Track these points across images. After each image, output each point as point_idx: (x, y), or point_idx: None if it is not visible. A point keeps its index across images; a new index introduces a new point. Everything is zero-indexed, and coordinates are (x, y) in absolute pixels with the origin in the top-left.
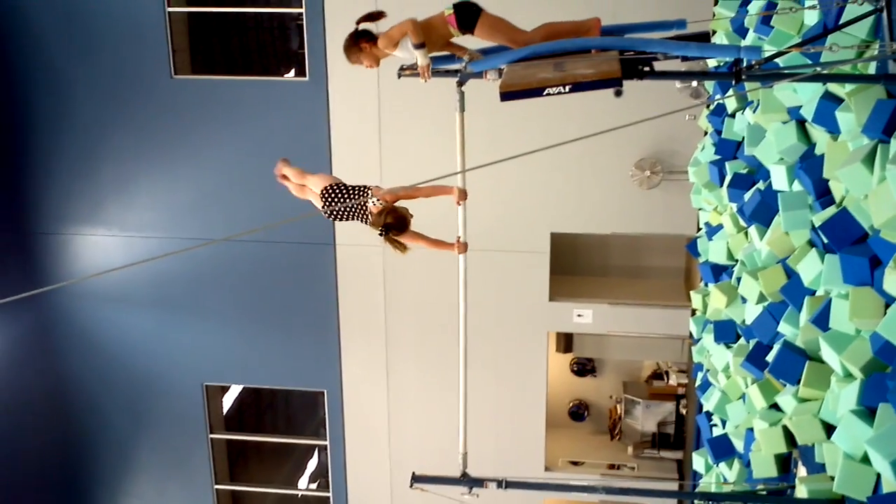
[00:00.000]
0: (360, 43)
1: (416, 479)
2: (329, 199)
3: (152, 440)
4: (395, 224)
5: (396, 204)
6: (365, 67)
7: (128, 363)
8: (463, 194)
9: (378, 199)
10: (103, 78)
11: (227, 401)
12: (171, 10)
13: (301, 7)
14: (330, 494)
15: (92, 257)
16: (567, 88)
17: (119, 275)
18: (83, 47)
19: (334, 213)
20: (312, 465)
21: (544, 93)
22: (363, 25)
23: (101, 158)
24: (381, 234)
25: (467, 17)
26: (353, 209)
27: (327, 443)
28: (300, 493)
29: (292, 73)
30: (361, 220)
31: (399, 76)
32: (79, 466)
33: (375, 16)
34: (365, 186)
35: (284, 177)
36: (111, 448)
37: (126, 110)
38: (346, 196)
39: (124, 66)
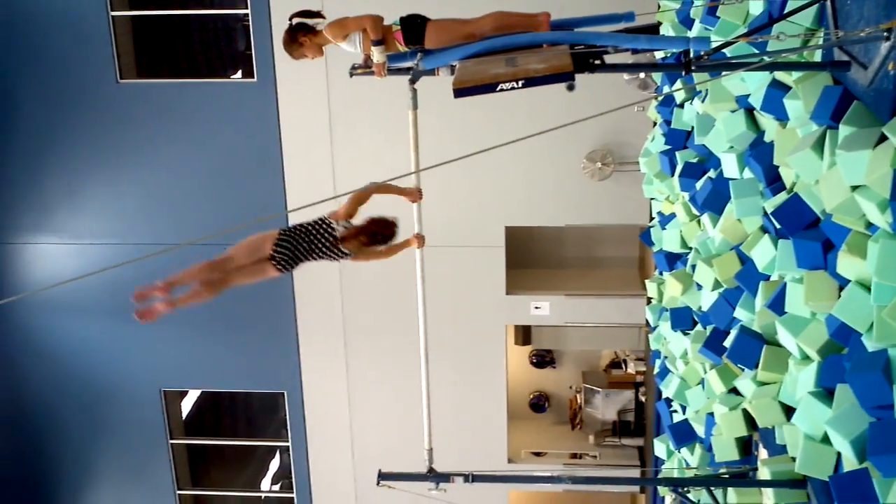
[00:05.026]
0: (298, 37)
1: (383, 476)
2: (286, 247)
3: (112, 448)
4: (390, 235)
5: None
6: (310, 59)
7: (84, 372)
8: (419, 193)
9: (342, 222)
10: (48, 84)
11: (186, 405)
12: (114, 13)
13: (246, 8)
14: (294, 495)
15: (44, 266)
16: (520, 83)
17: (71, 283)
18: (26, 54)
19: (295, 256)
20: (275, 466)
21: (497, 88)
22: (298, 20)
23: (48, 166)
24: (380, 243)
25: (413, 31)
26: (319, 245)
27: (289, 444)
28: (263, 495)
29: (239, 74)
30: (327, 256)
31: (351, 75)
32: (38, 477)
33: (312, 14)
34: (319, 219)
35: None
36: (70, 458)
37: (72, 116)
38: (304, 234)
39: (69, 71)
